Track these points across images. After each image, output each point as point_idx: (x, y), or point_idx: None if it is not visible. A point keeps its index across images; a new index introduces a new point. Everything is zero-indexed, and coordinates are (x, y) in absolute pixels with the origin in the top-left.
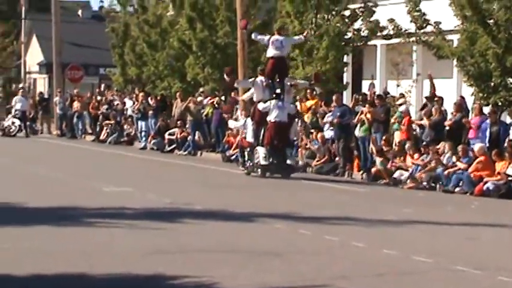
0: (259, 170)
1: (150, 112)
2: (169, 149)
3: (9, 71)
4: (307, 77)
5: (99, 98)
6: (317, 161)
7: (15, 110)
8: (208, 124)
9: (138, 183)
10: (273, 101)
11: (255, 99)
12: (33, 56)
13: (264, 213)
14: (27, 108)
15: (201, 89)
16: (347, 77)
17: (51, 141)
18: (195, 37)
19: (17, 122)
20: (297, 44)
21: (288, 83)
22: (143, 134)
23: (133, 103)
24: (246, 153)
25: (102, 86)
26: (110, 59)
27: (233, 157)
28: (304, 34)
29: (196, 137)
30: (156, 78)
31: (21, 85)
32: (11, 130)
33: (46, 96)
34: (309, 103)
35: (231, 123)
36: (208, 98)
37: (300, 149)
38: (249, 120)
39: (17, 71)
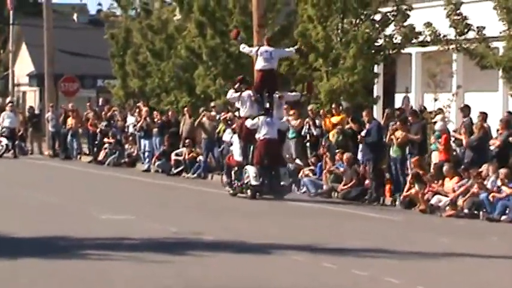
0: (248, 190)
1: (155, 130)
2: (175, 171)
3: None
4: (332, 89)
5: (95, 113)
6: (343, 185)
7: (3, 128)
8: (220, 143)
9: (139, 210)
10: (262, 117)
11: (242, 114)
12: (23, 66)
13: (282, 243)
14: (16, 125)
15: (212, 104)
16: (378, 89)
17: (43, 163)
18: (205, 45)
19: (4, 141)
20: (285, 57)
21: (277, 96)
22: (146, 154)
23: (136, 119)
24: (233, 172)
25: (100, 100)
26: (109, 70)
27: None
28: (297, 46)
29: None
30: (161, 91)
31: (9, 99)
32: None
33: (37, 111)
34: (335, 119)
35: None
36: (223, 113)
37: (324, 172)
38: (235, 137)
39: (3, 83)
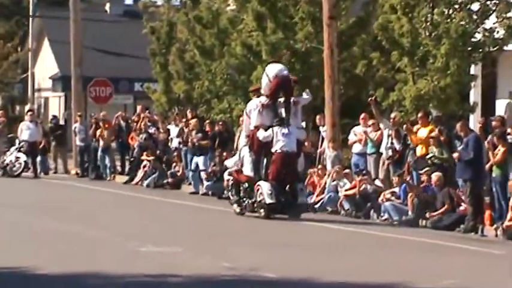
0: (262, 209)
1: (204, 144)
2: (228, 194)
3: (12, 88)
4: (420, 95)
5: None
6: (433, 211)
7: (21, 141)
8: None
9: (186, 241)
10: (276, 129)
11: (252, 125)
12: (45, 67)
13: (363, 282)
14: (37, 138)
15: None
16: (475, 95)
17: (69, 184)
18: (265, 40)
19: (23, 158)
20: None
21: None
22: (193, 173)
23: (181, 131)
24: (241, 189)
25: (139, 107)
26: (148, 71)
27: (317, 205)
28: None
29: None
30: (211, 96)
31: (28, 107)
32: (15, 168)
33: (62, 122)
34: (423, 131)
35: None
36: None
37: (409, 196)
38: (245, 149)
39: (22, 87)
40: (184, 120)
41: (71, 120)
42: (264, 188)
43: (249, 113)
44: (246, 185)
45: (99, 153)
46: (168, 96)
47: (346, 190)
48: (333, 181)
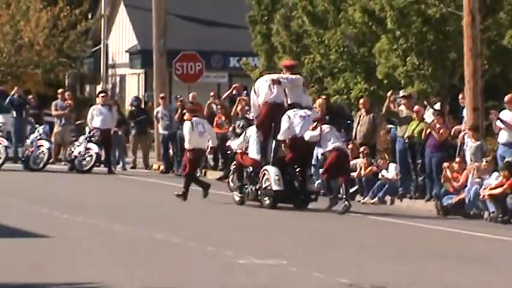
0: (267, 198)
1: None
2: (351, 190)
3: (81, 64)
4: None
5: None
6: None
7: (92, 129)
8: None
9: (293, 252)
10: (290, 113)
11: (260, 101)
12: (120, 38)
13: None
14: (111, 125)
15: (400, 93)
16: None
17: (151, 181)
18: (391, 5)
19: (95, 149)
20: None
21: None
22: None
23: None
24: (245, 174)
25: (235, 87)
26: (247, 43)
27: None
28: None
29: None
30: (325, 74)
31: (100, 87)
32: (84, 162)
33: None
34: None
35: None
36: (416, 107)
37: None
38: (252, 129)
39: (93, 63)
40: None
41: (153, 103)
42: (272, 174)
43: (257, 91)
44: (250, 169)
45: None
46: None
47: (490, 189)
48: (476, 178)
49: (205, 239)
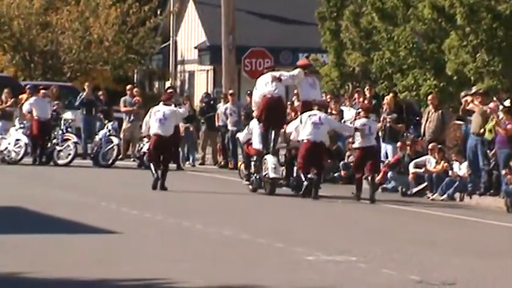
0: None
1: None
2: (415, 190)
3: (150, 60)
4: None
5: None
6: None
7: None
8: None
9: (362, 248)
10: (304, 116)
11: (259, 94)
12: (189, 35)
13: None
14: (178, 122)
15: (473, 89)
16: None
17: (221, 178)
18: (461, 1)
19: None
20: None
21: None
22: None
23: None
24: (252, 163)
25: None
26: (316, 39)
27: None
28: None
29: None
30: (394, 70)
31: (169, 83)
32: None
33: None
34: None
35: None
36: (493, 104)
37: None
38: (254, 122)
39: (161, 59)
40: (360, 99)
41: (221, 99)
42: (269, 162)
43: (257, 87)
44: (254, 158)
45: None
46: (340, 70)
47: None
48: None
49: (273, 235)
